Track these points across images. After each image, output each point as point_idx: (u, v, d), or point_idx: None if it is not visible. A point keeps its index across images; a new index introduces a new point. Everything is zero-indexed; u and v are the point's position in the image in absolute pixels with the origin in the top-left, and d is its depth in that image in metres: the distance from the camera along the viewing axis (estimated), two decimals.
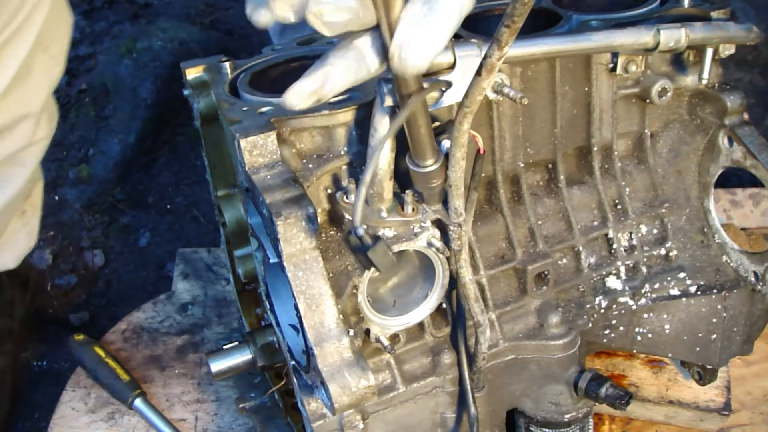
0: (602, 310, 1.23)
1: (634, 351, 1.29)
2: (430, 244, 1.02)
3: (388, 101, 0.94)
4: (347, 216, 1.04)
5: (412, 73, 0.85)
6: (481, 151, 1.05)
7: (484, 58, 0.84)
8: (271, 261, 1.02)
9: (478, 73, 0.86)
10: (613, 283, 1.24)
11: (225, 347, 1.32)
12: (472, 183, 1.06)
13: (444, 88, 0.95)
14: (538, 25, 1.14)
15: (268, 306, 1.13)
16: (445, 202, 1.02)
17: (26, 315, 1.83)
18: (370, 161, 0.92)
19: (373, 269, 0.97)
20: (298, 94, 0.86)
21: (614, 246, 1.24)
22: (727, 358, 1.30)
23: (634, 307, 1.24)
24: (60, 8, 1.46)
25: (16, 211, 1.63)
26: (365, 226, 0.94)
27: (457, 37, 1.09)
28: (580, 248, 1.22)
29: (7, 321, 1.71)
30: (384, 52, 0.85)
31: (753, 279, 1.24)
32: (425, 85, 0.92)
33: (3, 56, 1.33)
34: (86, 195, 2.22)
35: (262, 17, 0.83)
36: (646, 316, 1.25)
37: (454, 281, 1.08)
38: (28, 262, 1.87)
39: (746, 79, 2.41)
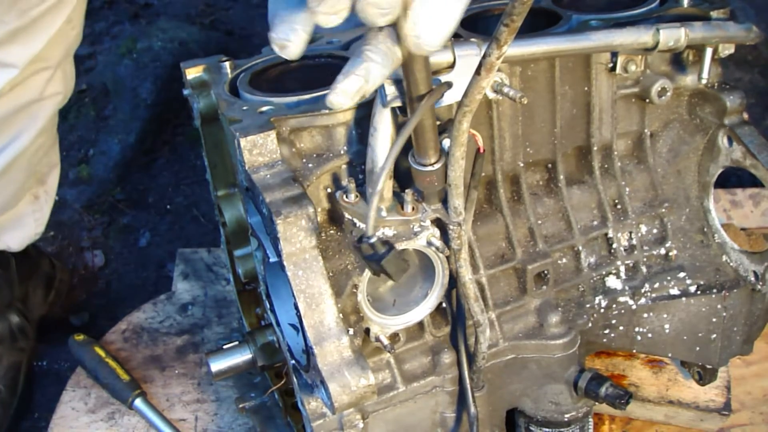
0: (602, 310, 1.23)
1: (634, 351, 1.29)
2: (429, 244, 1.02)
3: (396, 102, 0.94)
4: (347, 215, 1.04)
5: (428, 51, 0.85)
6: (481, 150, 1.05)
7: (483, 57, 0.84)
8: (271, 260, 1.02)
9: (478, 72, 0.86)
10: (613, 282, 1.24)
11: (225, 347, 1.32)
12: (472, 182, 1.06)
13: (446, 90, 0.96)
14: (537, 24, 1.14)
15: (268, 305, 1.14)
16: (444, 201, 1.02)
17: (46, 315, 1.83)
18: (384, 169, 0.92)
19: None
20: (344, 93, 0.86)
21: (614, 246, 1.24)
22: (727, 358, 1.30)
23: (634, 306, 1.24)
24: None
25: (29, 194, 1.63)
26: (378, 234, 0.94)
27: (456, 37, 1.09)
28: (580, 248, 1.22)
29: (18, 316, 1.71)
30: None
31: (753, 279, 1.24)
32: (433, 86, 0.93)
33: (39, 27, 1.38)
34: (86, 195, 2.22)
35: (297, 40, 0.84)
36: (646, 315, 1.25)
37: (453, 280, 1.08)
38: (54, 261, 1.87)
39: (746, 78, 2.41)
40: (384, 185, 0.92)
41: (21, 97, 1.47)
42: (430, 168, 0.99)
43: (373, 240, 0.93)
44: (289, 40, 0.84)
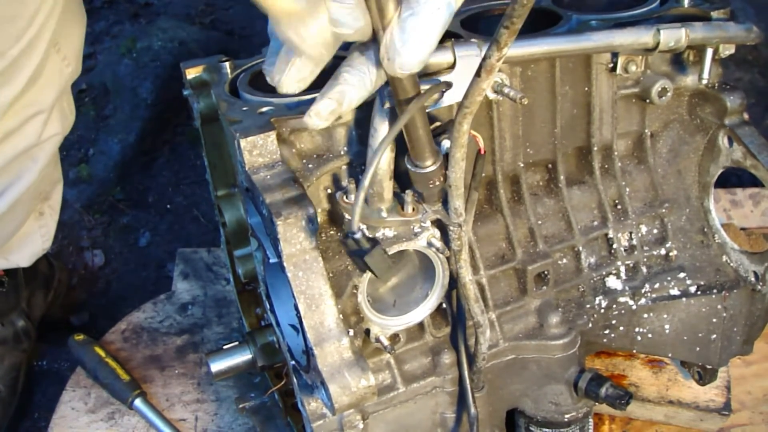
0: (602, 310, 1.23)
1: (634, 351, 1.29)
2: (430, 244, 1.02)
3: (387, 103, 0.95)
4: (347, 216, 1.04)
5: (402, 74, 0.87)
6: (482, 151, 1.05)
7: (484, 59, 0.84)
8: (271, 261, 1.02)
9: (478, 74, 0.86)
10: (613, 283, 1.24)
11: (225, 347, 1.32)
12: (473, 183, 1.06)
13: (444, 89, 0.96)
14: (538, 25, 1.14)
15: (268, 306, 1.13)
16: (445, 202, 1.02)
17: (46, 315, 1.83)
18: (370, 166, 0.92)
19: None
20: (319, 115, 0.92)
21: (614, 246, 1.24)
22: (727, 358, 1.30)
23: (634, 307, 1.24)
24: (74, 8, 1.46)
25: (34, 212, 1.64)
26: (363, 229, 0.94)
27: (457, 37, 1.09)
28: (580, 248, 1.22)
29: (24, 319, 1.72)
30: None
31: (753, 279, 1.24)
32: (423, 88, 0.92)
33: (20, 64, 1.34)
34: (86, 195, 2.22)
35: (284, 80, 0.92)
36: (646, 316, 1.25)
37: (454, 281, 1.08)
38: (52, 261, 1.87)
39: (746, 78, 2.41)
40: (370, 180, 0.92)
41: (18, 145, 1.46)
42: (426, 170, 0.99)
43: (357, 235, 0.93)
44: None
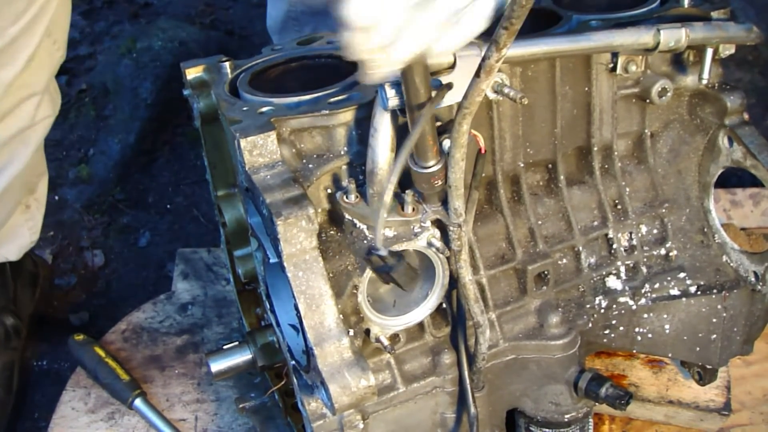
0: (602, 310, 1.23)
1: (634, 351, 1.29)
2: (430, 244, 1.02)
3: (396, 104, 0.94)
4: (347, 216, 1.04)
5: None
6: (482, 151, 1.05)
7: (483, 59, 0.84)
8: (271, 261, 1.02)
9: (477, 74, 0.86)
10: (613, 283, 1.24)
11: (225, 347, 1.32)
12: (473, 182, 1.06)
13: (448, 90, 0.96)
14: (538, 25, 1.14)
15: (268, 306, 1.13)
16: (445, 202, 1.02)
17: (34, 312, 1.84)
18: (389, 181, 0.93)
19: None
20: None
21: (614, 246, 1.24)
22: (727, 358, 1.30)
23: (634, 307, 1.24)
24: None
25: (21, 205, 1.65)
26: (388, 246, 0.96)
27: None
28: (580, 248, 1.22)
29: (12, 317, 1.72)
30: None
31: (753, 279, 1.24)
32: (433, 93, 0.93)
33: (19, 44, 1.37)
34: (86, 195, 2.22)
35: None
36: (646, 316, 1.25)
37: (454, 281, 1.08)
38: (35, 258, 1.88)
39: (746, 79, 2.41)
40: (390, 197, 0.94)
41: (12, 126, 1.48)
42: (429, 170, 0.99)
43: (382, 252, 0.95)
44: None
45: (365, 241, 1.02)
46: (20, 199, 1.64)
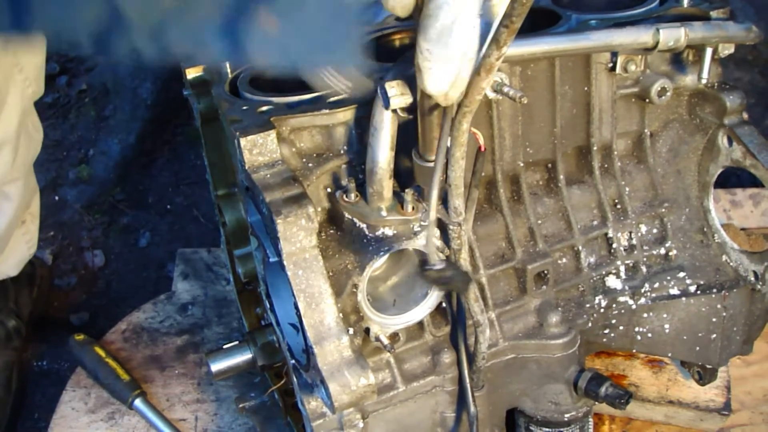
0: (602, 310, 1.23)
1: (634, 351, 1.29)
2: None
3: (396, 104, 0.94)
4: (347, 215, 1.04)
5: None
6: (482, 148, 1.05)
7: (483, 57, 0.84)
8: (271, 260, 1.02)
9: (477, 72, 0.86)
10: (612, 282, 1.24)
11: (225, 347, 1.32)
12: (473, 180, 1.06)
13: None
14: (537, 24, 1.14)
15: (268, 305, 1.13)
16: (444, 201, 1.02)
17: (32, 312, 1.84)
18: (432, 189, 0.96)
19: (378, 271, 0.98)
20: None
21: (614, 245, 1.24)
22: (726, 357, 1.30)
23: (634, 306, 1.24)
24: None
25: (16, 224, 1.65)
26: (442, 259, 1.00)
27: None
28: (580, 248, 1.22)
29: (14, 318, 1.72)
30: None
31: (753, 279, 1.24)
32: None
33: None
34: (86, 195, 2.22)
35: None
36: (645, 315, 1.25)
37: None
38: (33, 259, 1.87)
39: (746, 78, 2.41)
40: (433, 214, 0.98)
41: None
42: (432, 164, 0.99)
43: (438, 266, 0.99)
44: None
45: (364, 240, 1.02)
46: (16, 227, 1.64)
